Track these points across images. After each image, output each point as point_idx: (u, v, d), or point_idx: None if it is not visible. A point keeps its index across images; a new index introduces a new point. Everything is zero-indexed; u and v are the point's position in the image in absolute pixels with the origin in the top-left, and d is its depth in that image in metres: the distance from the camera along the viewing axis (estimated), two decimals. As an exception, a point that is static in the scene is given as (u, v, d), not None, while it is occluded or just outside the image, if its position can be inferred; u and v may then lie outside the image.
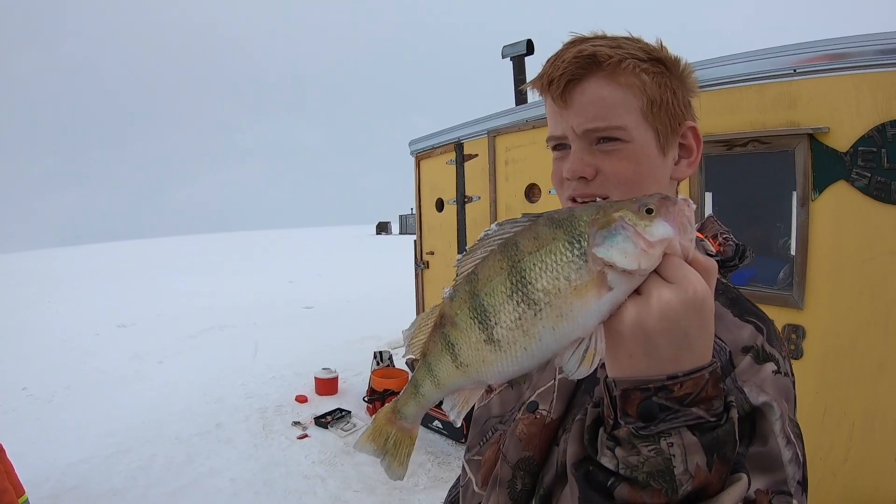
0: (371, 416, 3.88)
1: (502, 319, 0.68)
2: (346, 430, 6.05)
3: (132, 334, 11.24)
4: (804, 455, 0.81)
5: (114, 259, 31.06)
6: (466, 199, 5.87)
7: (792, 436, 0.80)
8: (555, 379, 1.03)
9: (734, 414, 0.67)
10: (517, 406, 1.08)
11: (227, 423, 6.42)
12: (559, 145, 1.03)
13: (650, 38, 1.00)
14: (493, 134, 5.37)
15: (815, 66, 2.96)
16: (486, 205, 5.55)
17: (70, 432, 6.18)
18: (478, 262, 0.73)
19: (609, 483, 0.67)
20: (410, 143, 6.89)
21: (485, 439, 1.13)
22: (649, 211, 0.64)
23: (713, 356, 0.67)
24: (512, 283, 0.68)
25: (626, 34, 1.00)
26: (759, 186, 4.33)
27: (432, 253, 6.65)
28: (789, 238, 3.81)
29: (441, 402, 0.83)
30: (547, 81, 0.98)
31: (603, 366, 0.71)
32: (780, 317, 3.13)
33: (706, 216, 1.16)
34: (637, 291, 0.65)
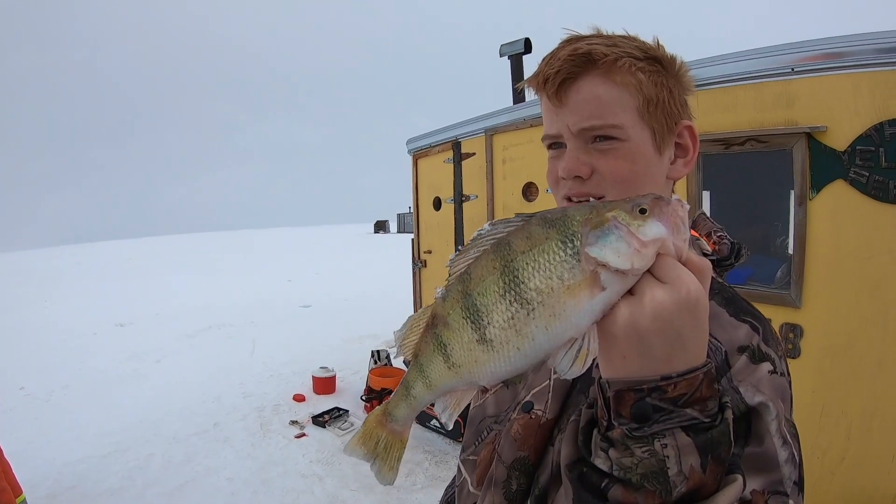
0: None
1: (495, 319, 0.68)
2: (343, 430, 6.05)
3: (130, 333, 11.23)
4: (800, 455, 0.81)
5: (112, 258, 31.02)
6: (464, 198, 5.86)
7: (788, 436, 0.79)
8: (550, 379, 1.02)
9: (729, 414, 0.67)
10: (512, 406, 1.08)
11: (225, 422, 6.42)
12: (554, 144, 1.02)
13: (650, 39, 1.00)
14: (491, 133, 5.37)
15: (813, 64, 2.95)
16: (484, 204, 5.54)
17: (68, 432, 6.17)
18: (470, 261, 0.73)
19: (603, 484, 0.67)
20: (408, 142, 6.89)
21: (480, 439, 1.13)
22: (643, 211, 0.63)
23: (708, 356, 0.67)
24: (505, 283, 0.67)
25: (622, 32, 0.99)
26: (756, 185, 4.32)
27: (430, 252, 6.65)
28: (787, 237, 3.80)
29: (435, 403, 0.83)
30: (542, 80, 0.97)
31: (598, 366, 0.70)
32: (777, 316, 3.13)
33: (697, 214, 1.16)
34: (631, 291, 0.64)
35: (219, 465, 5.36)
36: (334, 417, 6.32)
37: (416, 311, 0.78)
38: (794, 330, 3.09)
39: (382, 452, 0.89)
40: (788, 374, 0.89)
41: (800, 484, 0.78)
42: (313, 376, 7.21)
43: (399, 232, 51.95)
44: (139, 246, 41.67)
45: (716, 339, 0.86)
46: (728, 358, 0.85)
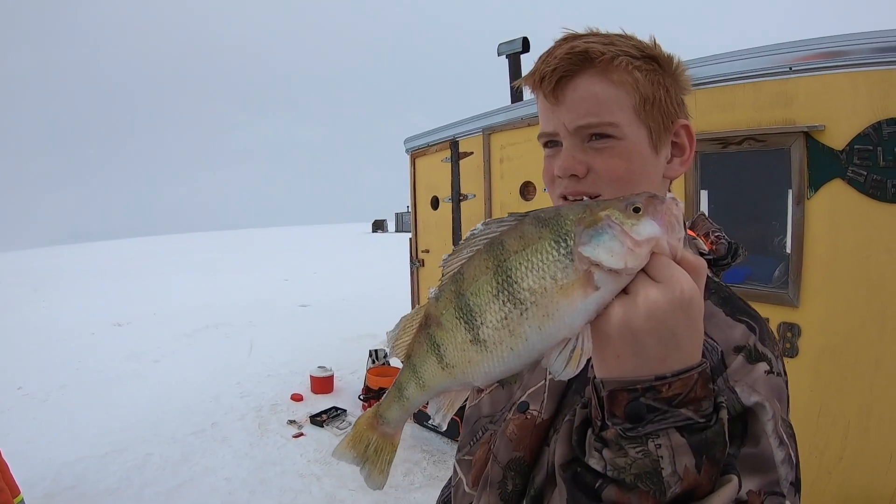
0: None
1: (488, 319, 0.68)
2: (341, 429, 6.05)
3: (128, 333, 11.21)
4: (797, 456, 0.80)
5: (110, 258, 31.00)
6: (461, 197, 5.86)
7: (785, 436, 0.79)
8: (545, 379, 1.02)
9: (724, 415, 0.66)
10: (508, 406, 1.08)
11: (223, 421, 6.41)
12: (550, 142, 1.02)
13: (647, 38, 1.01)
14: (489, 132, 5.36)
15: (811, 63, 2.95)
16: (481, 203, 5.53)
17: (66, 431, 6.16)
18: (464, 261, 0.72)
19: (597, 485, 0.67)
20: (406, 141, 6.88)
21: (475, 439, 1.13)
22: (636, 210, 0.63)
23: (704, 356, 0.67)
24: (498, 283, 0.67)
25: (619, 31, 0.99)
26: (754, 184, 4.32)
27: (428, 251, 6.64)
28: (785, 236, 3.80)
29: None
30: (539, 78, 0.97)
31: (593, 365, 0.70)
32: (775, 315, 3.13)
33: (697, 214, 1.15)
34: (625, 291, 0.64)
35: (217, 465, 5.35)
36: (332, 417, 6.31)
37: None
38: (792, 329, 3.09)
39: (373, 456, 0.88)
40: (785, 374, 0.89)
41: (796, 484, 0.78)
42: (311, 376, 7.21)
43: (397, 231, 51.96)
44: (137, 246, 41.65)
45: (712, 338, 0.86)
46: (724, 358, 0.85)
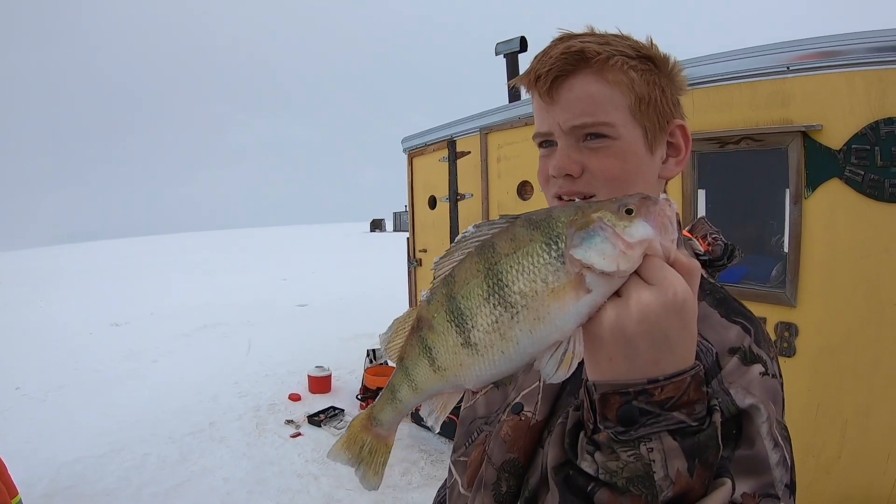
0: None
1: (479, 323, 0.67)
2: (339, 429, 6.04)
3: (126, 333, 11.21)
4: (792, 458, 0.80)
5: (108, 257, 30.99)
6: (459, 197, 5.85)
7: (780, 438, 0.79)
8: (540, 380, 1.02)
9: (717, 418, 0.66)
10: (502, 407, 1.07)
11: (221, 421, 6.40)
12: (546, 142, 1.02)
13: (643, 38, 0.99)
14: (486, 131, 5.35)
15: (808, 63, 2.95)
16: (479, 202, 5.53)
17: (64, 431, 6.15)
18: (455, 264, 0.72)
19: (589, 488, 0.67)
20: (403, 141, 6.87)
21: (470, 440, 1.13)
22: (629, 211, 0.62)
23: (698, 358, 0.66)
24: (489, 286, 0.66)
25: (615, 31, 0.99)
26: (752, 184, 4.32)
27: (425, 250, 6.64)
28: (782, 236, 3.80)
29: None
30: (534, 77, 0.97)
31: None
32: (772, 314, 3.13)
33: (698, 217, 1.16)
34: (617, 293, 0.63)
35: (214, 465, 5.34)
36: (330, 417, 6.31)
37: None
38: (790, 329, 3.09)
39: (367, 457, 0.88)
40: (780, 375, 0.88)
41: (791, 487, 0.78)
42: (309, 375, 7.20)
43: (395, 230, 51.96)
44: (135, 245, 41.65)
45: (706, 340, 0.86)
46: (719, 359, 0.85)
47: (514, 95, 5.37)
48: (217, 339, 10.37)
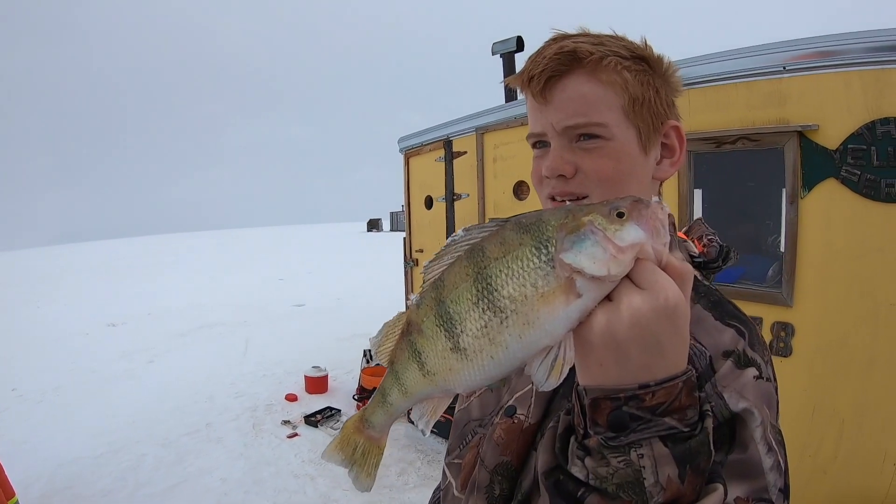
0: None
1: (468, 327, 0.66)
2: (335, 429, 6.03)
3: (122, 333, 11.21)
4: (786, 462, 0.79)
5: (104, 258, 30.97)
6: (455, 197, 5.85)
7: (774, 443, 0.78)
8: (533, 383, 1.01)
9: (709, 423, 0.66)
10: (496, 410, 1.07)
11: (217, 422, 6.41)
12: (539, 143, 1.02)
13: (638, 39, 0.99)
14: (482, 131, 5.35)
15: (804, 63, 2.95)
16: (475, 202, 5.53)
17: (60, 432, 6.15)
18: (444, 268, 0.71)
19: (579, 493, 0.66)
20: (399, 141, 6.87)
21: (464, 442, 1.12)
22: (620, 214, 0.61)
23: (691, 361, 0.66)
24: (478, 290, 0.66)
25: (610, 32, 0.98)
26: (748, 184, 4.32)
27: (422, 250, 6.63)
28: (778, 235, 3.80)
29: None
30: (527, 77, 0.97)
31: None
32: (769, 314, 3.13)
33: (695, 219, 1.15)
34: (608, 297, 0.63)
35: (211, 466, 5.34)
36: (326, 417, 6.31)
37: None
38: (786, 328, 3.09)
39: (360, 459, 0.88)
40: (775, 379, 0.88)
41: (785, 491, 0.77)
42: (306, 376, 7.20)
43: (392, 230, 51.98)
44: (131, 246, 41.63)
45: (700, 343, 0.85)
46: (712, 363, 0.84)
47: (510, 95, 5.37)
48: (214, 340, 10.37)
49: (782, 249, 3.19)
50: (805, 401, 2.99)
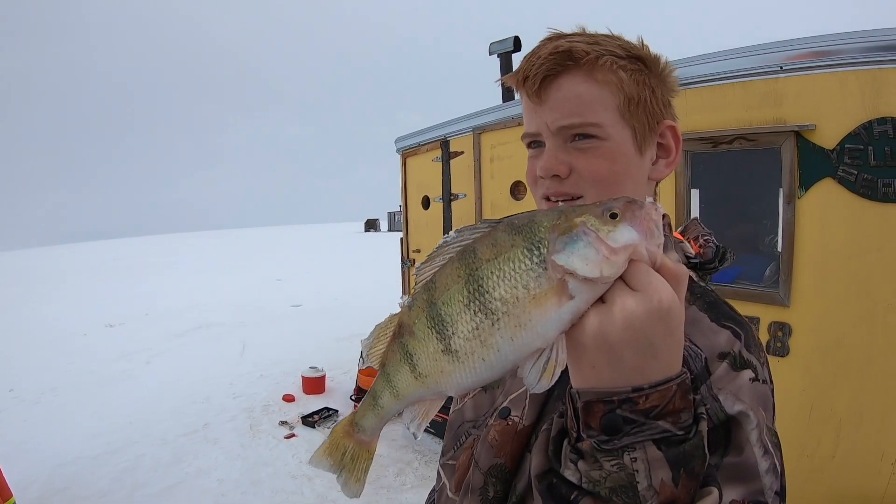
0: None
1: (459, 329, 0.66)
2: (333, 430, 6.04)
3: (120, 334, 11.20)
4: (782, 465, 0.79)
5: (102, 258, 30.94)
6: (452, 197, 5.85)
7: (770, 445, 0.78)
8: None
9: (704, 427, 0.65)
10: (490, 411, 1.06)
11: (215, 422, 6.40)
12: (534, 143, 1.01)
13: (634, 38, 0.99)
14: (479, 131, 5.35)
15: (801, 63, 2.95)
16: (472, 202, 5.53)
17: (58, 433, 6.14)
18: (436, 269, 0.71)
19: (572, 497, 0.66)
20: (396, 141, 6.86)
21: (458, 444, 1.12)
22: (613, 215, 0.61)
23: (686, 363, 0.65)
24: (469, 292, 0.65)
25: (606, 31, 0.98)
26: (745, 184, 4.32)
27: (419, 251, 6.63)
28: (776, 235, 3.80)
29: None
30: (522, 77, 0.96)
31: None
32: (766, 314, 3.13)
33: (691, 219, 1.15)
34: (601, 299, 0.62)
35: (208, 466, 5.33)
36: (324, 417, 6.30)
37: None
38: (783, 328, 3.09)
39: (349, 464, 0.86)
40: (771, 381, 0.87)
41: (781, 494, 0.77)
42: (303, 376, 7.19)
43: (390, 230, 51.99)
44: (129, 246, 41.59)
45: (696, 345, 0.85)
46: (708, 365, 0.84)
47: (507, 95, 5.37)
48: (211, 340, 10.36)
49: (779, 249, 3.19)
50: (802, 401, 2.99)
